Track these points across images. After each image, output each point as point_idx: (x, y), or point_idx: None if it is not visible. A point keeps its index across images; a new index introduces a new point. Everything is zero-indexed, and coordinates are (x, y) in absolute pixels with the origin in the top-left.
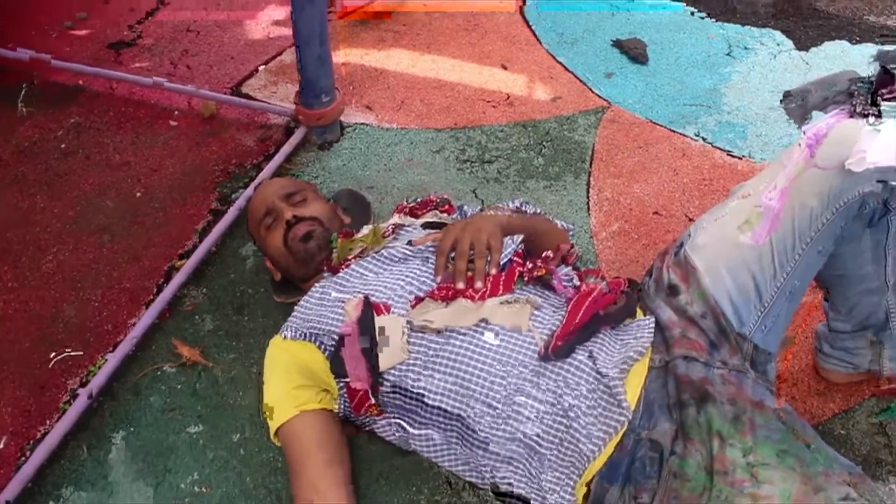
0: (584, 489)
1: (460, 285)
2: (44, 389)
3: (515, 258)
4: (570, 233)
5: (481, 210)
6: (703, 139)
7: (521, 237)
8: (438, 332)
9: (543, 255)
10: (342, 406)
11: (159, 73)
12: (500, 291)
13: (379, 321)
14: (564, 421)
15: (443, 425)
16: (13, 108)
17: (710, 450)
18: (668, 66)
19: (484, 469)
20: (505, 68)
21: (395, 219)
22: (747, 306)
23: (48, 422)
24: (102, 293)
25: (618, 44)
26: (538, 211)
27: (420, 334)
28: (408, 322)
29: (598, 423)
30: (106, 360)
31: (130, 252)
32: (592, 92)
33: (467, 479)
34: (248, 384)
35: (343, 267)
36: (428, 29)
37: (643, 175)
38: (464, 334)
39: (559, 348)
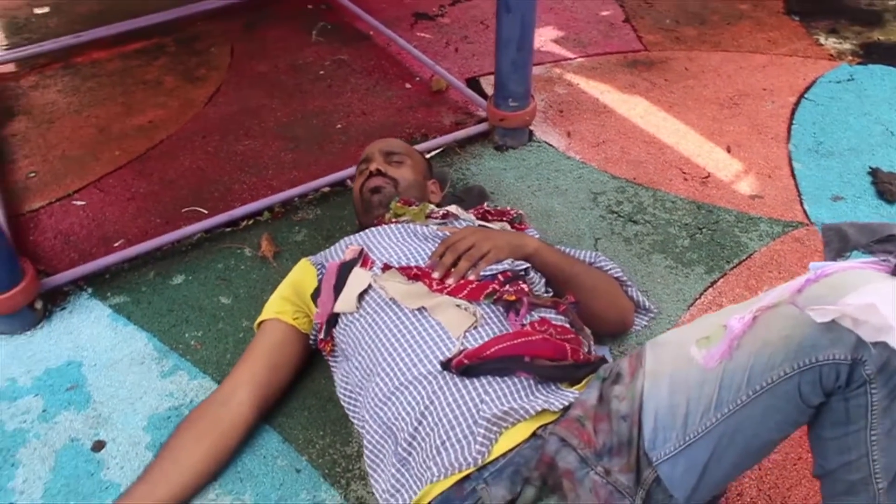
0: None
1: (435, 274)
2: (167, 224)
3: (500, 276)
4: (649, 315)
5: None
6: None
7: (525, 265)
8: (390, 301)
9: (521, 285)
10: (314, 335)
11: (433, 48)
12: (463, 296)
13: (354, 270)
14: (430, 433)
15: (359, 381)
16: (310, 35)
17: None
18: None
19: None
20: (728, 151)
21: (453, 209)
22: (668, 430)
23: None
24: (255, 181)
25: (874, 172)
26: (619, 276)
27: (376, 297)
28: (372, 281)
29: (451, 452)
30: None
31: (296, 163)
32: (801, 206)
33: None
34: None
35: (385, 224)
36: (685, 92)
37: None
38: (403, 312)
39: (461, 365)
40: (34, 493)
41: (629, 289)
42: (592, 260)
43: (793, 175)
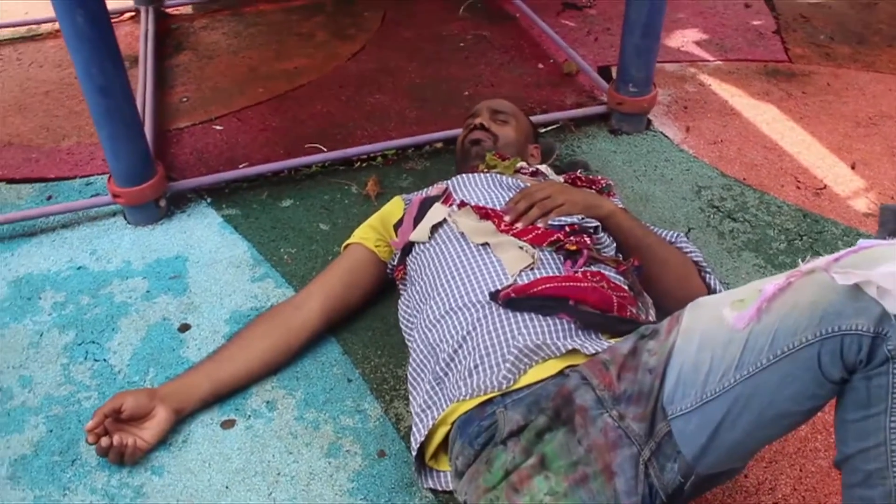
0: (448, 428)
1: (507, 218)
2: (288, 155)
3: (568, 227)
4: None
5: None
6: None
7: (595, 223)
8: (459, 234)
9: (584, 238)
10: (391, 264)
11: (574, 35)
12: (527, 239)
13: (435, 205)
14: (467, 357)
15: (417, 304)
16: (458, 10)
17: (522, 462)
18: None
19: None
20: (852, 168)
21: (543, 168)
22: (688, 387)
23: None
24: (376, 130)
25: None
26: (699, 260)
27: (448, 230)
28: (447, 215)
29: (482, 375)
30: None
31: (418, 120)
32: None
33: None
34: None
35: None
36: (821, 106)
37: None
38: (468, 246)
39: (508, 297)
40: (125, 355)
41: (707, 275)
42: (673, 240)
43: None
